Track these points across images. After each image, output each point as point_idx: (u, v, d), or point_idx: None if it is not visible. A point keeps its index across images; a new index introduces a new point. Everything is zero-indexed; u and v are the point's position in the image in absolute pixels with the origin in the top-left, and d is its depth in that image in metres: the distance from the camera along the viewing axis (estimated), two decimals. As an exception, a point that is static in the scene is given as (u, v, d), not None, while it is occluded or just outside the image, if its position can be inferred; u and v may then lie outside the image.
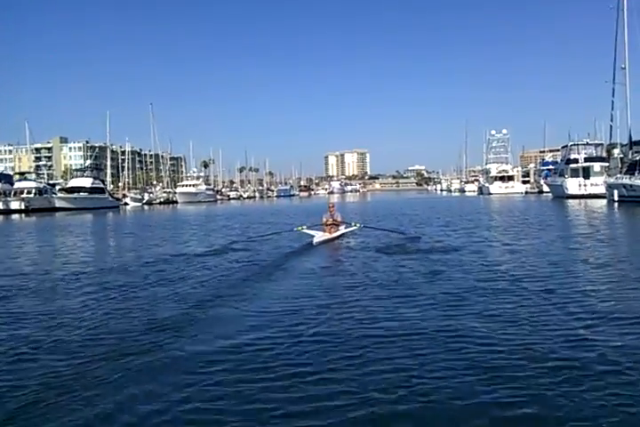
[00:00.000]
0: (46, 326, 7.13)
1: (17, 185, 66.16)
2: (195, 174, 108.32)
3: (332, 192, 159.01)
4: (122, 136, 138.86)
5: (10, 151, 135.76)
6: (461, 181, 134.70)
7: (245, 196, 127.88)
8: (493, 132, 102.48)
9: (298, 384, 4.84)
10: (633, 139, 45.20)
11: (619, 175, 42.71)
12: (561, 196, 53.00)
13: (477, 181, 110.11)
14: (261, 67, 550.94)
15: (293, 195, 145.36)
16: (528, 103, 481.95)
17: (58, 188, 77.09)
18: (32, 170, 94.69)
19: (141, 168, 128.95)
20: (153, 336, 6.38)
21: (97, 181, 74.31)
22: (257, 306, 8.02)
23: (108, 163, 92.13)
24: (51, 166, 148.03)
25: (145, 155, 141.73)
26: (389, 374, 5.00)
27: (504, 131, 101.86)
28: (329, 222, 17.91)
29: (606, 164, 53.84)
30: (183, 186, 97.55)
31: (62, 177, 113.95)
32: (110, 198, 76.36)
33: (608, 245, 15.07)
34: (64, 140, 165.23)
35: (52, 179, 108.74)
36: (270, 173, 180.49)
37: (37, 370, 5.38)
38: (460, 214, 32.59)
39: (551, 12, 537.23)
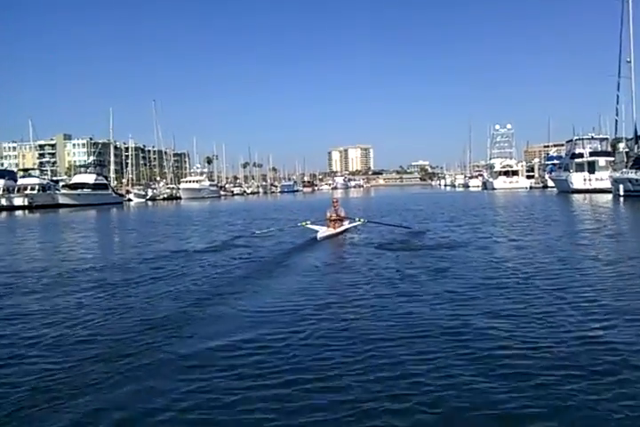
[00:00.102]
0: (41, 325, 6.99)
1: (20, 181, 66.22)
2: (198, 170, 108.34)
3: (335, 188, 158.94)
4: (125, 133, 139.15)
5: (14, 148, 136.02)
6: (465, 177, 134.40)
7: (249, 191, 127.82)
8: (497, 127, 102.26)
9: (303, 384, 4.71)
10: (638, 133, 44.81)
11: (624, 170, 42.35)
12: (566, 190, 52.66)
13: (481, 176, 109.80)
14: (261, 62, 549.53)
15: (297, 190, 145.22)
16: (532, 98, 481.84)
17: (61, 184, 77.10)
18: (36, 167, 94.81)
19: (145, 164, 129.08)
20: (150, 335, 6.21)
21: (100, 178, 74.25)
22: (259, 303, 7.85)
23: (112, 159, 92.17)
24: (54, 163, 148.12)
25: (149, 151, 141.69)
26: (396, 374, 4.85)
27: (508, 126, 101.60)
28: (333, 218, 17.90)
29: (611, 158, 53.46)
30: (187, 182, 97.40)
31: (66, 173, 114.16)
32: (114, 195, 76.28)
33: (616, 240, 14.84)
34: (68, 137, 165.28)
35: (55, 175, 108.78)
36: (274, 169, 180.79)
37: (31, 369, 5.26)
38: (464, 210, 32.39)
39: (551, 5, 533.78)
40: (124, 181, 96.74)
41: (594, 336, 5.79)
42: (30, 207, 59.17)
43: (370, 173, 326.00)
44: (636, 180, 38.75)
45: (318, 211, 24.28)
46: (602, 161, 53.37)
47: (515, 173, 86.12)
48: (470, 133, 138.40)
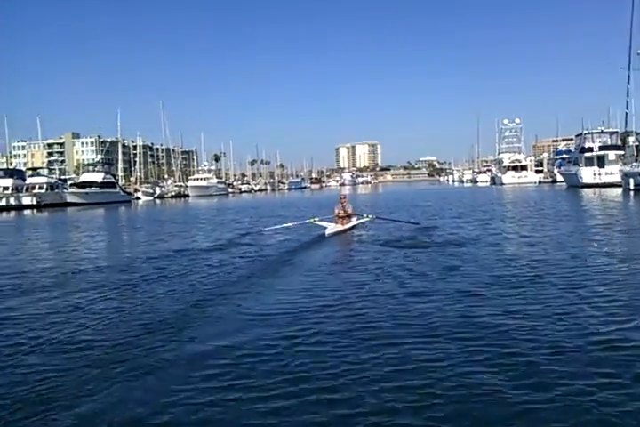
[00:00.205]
0: (39, 326, 6.88)
1: (29, 181, 66.33)
2: (206, 168, 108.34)
3: (343, 184, 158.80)
4: (134, 130, 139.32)
5: (23, 147, 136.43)
6: (474, 172, 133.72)
7: (257, 189, 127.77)
8: (506, 121, 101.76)
9: (310, 389, 4.56)
10: (649, 126, 44.39)
11: (634, 164, 41.84)
12: (575, 185, 52.26)
13: (490, 171, 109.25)
14: (261, 55, 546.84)
15: (305, 187, 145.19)
16: (540, 92, 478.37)
17: (69, 183, 77.24)
18: (45, 165, 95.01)
19: (153, 162, 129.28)
20: (149, 339, 6.05)
21: (108, 176, 74.27)
22: (265, 303, 7.71)
23: (120, 157, 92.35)
24: (63, 162, 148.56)
25: (156, 149, 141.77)
26: (410, 381, 4.67)
27: (517, 120, 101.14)
28: (341, 214, 17.88)
29: (621, 152, 52.94)
30: (194, 180, 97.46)
31: (75, 172, 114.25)
32: (122, 193, 76.33)
33: (629, 236, 14.52)
34: (76, 136, 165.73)
35: (64, 174, 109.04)
36: (281, 166, 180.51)
37: (27, 373, 5.16)
38: (473, 205, 32.15)
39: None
40: (132, 179, 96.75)
41: (617, 339, 5.52)
42: (38, 206, 59.33)
43: (377, 169, 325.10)
44: (647, 174, 38.32)
45: (325, 208, 24.16)
46: (612, 155, 52.91)
47: (523, 167, 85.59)
48: (479, 128, 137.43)
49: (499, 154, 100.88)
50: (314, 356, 5.35)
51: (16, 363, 5.50)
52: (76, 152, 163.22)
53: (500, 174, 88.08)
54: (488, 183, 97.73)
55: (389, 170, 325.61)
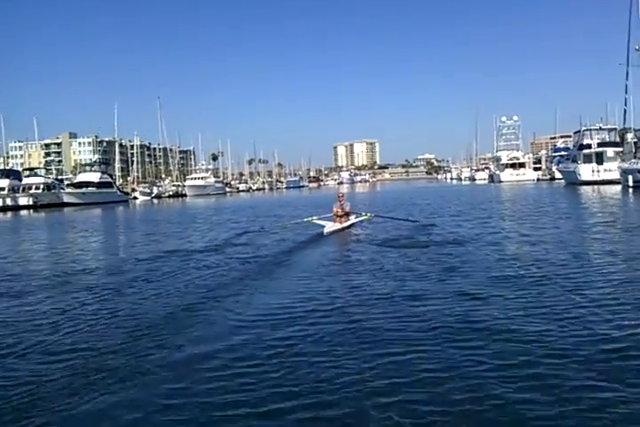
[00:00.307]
0: (22, 330, 6.71)
1: (25, 181, 66.05)
2: (203, 167, 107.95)
3: (341, 183, 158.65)
4: (131, 130, 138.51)
5: (20, 148, 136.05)
6: (472, 169, 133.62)
7: (254, 188, 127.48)
8: (504, 118, 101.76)
9: (305, 395, 4.40)
10: (648, 123, 44.19)
11: (633, 160, 41.70)
12: (574, 182, 52.09)
13: (488, 168, 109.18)
14: (260, 54, 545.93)
15: (303, 186, 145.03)
16: (538, 89, 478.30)
17: (66, 183, 76.94)
18: (42, 166, 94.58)
19: (151, 162, 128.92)
20: (135, 344, 5.83)
21: (105, 176, 73.97)
22: (262, 304, 7.52)
23: (117, 157, 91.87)
24: (60, 162, 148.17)
25: (154, 148, 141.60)
26: (410, 383, 4.51)
27: (515, 117, 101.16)
28: (339, 213, 17.85)
29: (620, 149, 52.67)
30: (192, 179, 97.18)
31: (72, 172, 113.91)
32: (119, 193, 76.04)
33: (631, 234, 14.22)
34: (73, 136, 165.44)
35: (61, 174, 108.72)
36: (279, 165, 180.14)
37: (11, 378, 5.00)
38: (471, 203, 31.98)
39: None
40: (130, 178, 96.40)
41: (630, 346, 5.26)
42: (35, 207, 59.07)
43: (376, 167, 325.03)
44: (646, 170, 38.14)
45: (323, 207, 23.96)
46: (610, 152, 52.72)
47: (522, 165, 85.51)
48: (477, 126, 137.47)
49: (497, 151, 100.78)
50: (308, 363, 5.13)
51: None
52: (74, 152, 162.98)
53: (498, 172, 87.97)
54: (486, 181, 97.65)
55: (387, 168, 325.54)
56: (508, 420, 3.87)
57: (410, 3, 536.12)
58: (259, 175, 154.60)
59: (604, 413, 3.88)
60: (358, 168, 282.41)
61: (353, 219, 18.61)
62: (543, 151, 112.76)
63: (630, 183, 38.73)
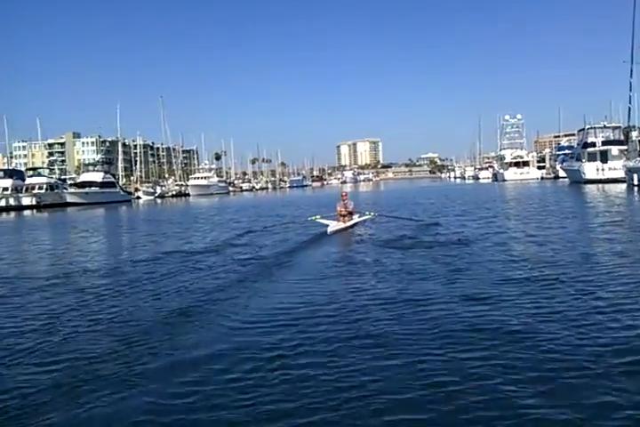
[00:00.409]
0: (9, 334, 6.56)
1: (28, 181, 65.95)
2: (207, 167, 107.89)
3: (344, 182, 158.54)
4: (134, 130, 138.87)
5: (24, 147, 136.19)
6: (475, 168, 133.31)
7: (258, 187, 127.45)
8: (507, 117, 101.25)
9: (308, 404, 4.21)
10: (653, 120, 43.87)
11: (638, 158, 41.36)
12: (578, 181, 51.77)
13: (492, 167, 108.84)
14: (261, 54, 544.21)
15: (306, 185, 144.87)
16: (542, 87, 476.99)
17: (69, 183, 76.91)
18: (45, 165, 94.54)
19: (154, 161, 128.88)
20: (127, 352, 5.63)
21: (108, 176, 73.88)
22: (263, 306, 7.35)
23: (120, 157, 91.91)
24: (63, 161, 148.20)
25: (157, 148, 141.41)
26: (418, 389, 4.26)
27: (518, 116, 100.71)
28: (342, 212, 17.83)
29: (624, 147, 52.26)
30: (195, 178, 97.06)
31: (76, 172, 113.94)
32: (122, 192, 75.93)
33: (640, 234, 14.05)
34: (77, 136, 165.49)
35: (65, 174, 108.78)
36: (283, 164, 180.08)
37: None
38: (476, 202, 31.74)
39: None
40: (133, 178, 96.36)
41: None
42: (38, 207, 59.01)
43: (379, 166, 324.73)
44: (651, 169, 37.83)
45: (326, 206, 23.78)
46: (615, 150, 52.33)
47: (525, 163, 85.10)
48: (480, 124, 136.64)
49: (500, 150, 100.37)
50: (310, 368, 4.95)
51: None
52: (77, 152, 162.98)
53: (502, 171, 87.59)
54: (490, 180, 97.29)
55: (391, 167, 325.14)
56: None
57: (410, 2, 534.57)
58: (262, 175, 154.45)
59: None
60: (361, 167, 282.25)
61: (356, 218, 18.57)
62: (547, 150, 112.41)
63: (635, 182, 38.44)
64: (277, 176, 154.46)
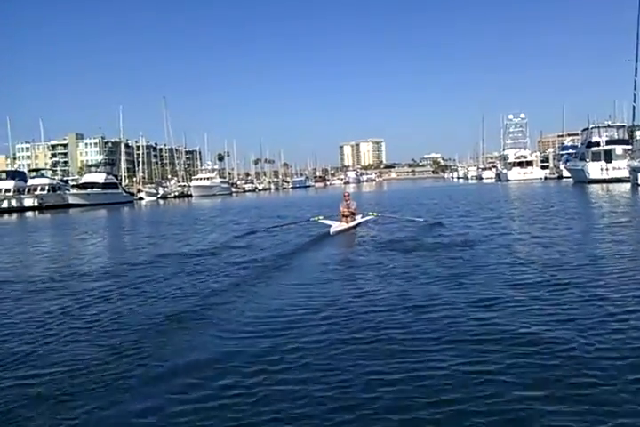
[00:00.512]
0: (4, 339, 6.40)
1: (31, 182, 65.91)
2: (209, 167, 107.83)
3: (347, 182, 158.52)
4: (137, 130, 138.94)
5: (27, 149, 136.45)
6: (478, 168, 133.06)
7: (260, 188, 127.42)
8: (511, 116, 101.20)
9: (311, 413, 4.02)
10: (658, 120, 43.55)
11: (643, 158, 41.14)
12: (582, 181, 51.48)
13: (495, 167, 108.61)
14: (261, 54, 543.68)
15: (309, 186, 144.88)
16: (545, 87, 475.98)
17: (71, 184, 76.87)
18: (48, 167, 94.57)
19: (157, 162, 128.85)
20: (117, 361, 5.43)
21: (110, 177, 73.88)
22: (265, 308, 7.23)
23: (122, 158, 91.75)
24: (66, 163, 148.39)
25: (160, 149, 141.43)
26: (425, 398, 4.05)
27: (522, 115, 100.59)
28: (345, 213, 17.77)
29: (629, 146, 52.02)
30: (198, 179, 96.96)
31: (79, 173, 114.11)
32: (124, 193, 75.88)
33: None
34: (80, 137, 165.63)
35: (68, 175, 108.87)
36: (285, 165, 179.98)
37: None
38: (479, 203, 31.51)
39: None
40: (136, 179, 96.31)
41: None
42: (40, 208, 58.91)
43: (382, 166, 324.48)
44: (656, 168, 37.55)
45: (328, 207, 23.60)
46: (619, 149, 52.06)
47: (529, 163, 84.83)
48: (483, 124, 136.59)
49: (504, 150, 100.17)
50: (310, 373, 4.81)
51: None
52: (80, 153, 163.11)
53: (505, 171, 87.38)
54: (493, 180, 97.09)
55: (394, 167, 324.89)
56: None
57: (411, 2, 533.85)
58: (265, 175, 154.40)
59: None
60: (365, 168, 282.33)
61: (359, 218, 18.51)
62: (551, 149, 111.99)
63: (640, 181, 38.18)
64: (280, 177, 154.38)
